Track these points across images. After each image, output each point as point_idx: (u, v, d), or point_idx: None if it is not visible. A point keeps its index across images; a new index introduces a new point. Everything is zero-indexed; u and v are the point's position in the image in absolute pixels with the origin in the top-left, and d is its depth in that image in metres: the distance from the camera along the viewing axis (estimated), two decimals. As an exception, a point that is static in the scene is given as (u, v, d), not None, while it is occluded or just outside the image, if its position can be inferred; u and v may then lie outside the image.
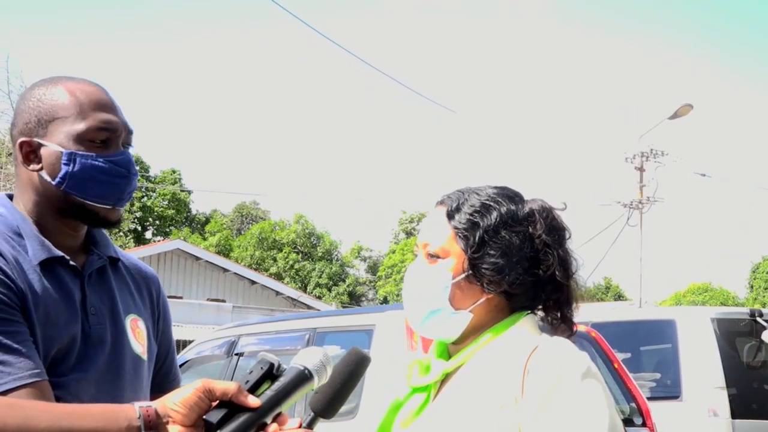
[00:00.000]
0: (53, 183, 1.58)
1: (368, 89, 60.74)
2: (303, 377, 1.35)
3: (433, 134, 62.28)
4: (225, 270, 22.98)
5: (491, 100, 58.37)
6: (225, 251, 36.36)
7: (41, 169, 1.59)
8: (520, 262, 1.55)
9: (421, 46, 59.62)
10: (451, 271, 1.55)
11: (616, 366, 5.64)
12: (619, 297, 37.88)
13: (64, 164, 1.57)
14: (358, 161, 63.51)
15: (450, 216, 1.57)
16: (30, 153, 1.60)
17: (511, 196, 1.61)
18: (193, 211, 41.84)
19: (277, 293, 23.62)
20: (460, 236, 1.55)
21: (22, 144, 1.60)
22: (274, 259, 37.93)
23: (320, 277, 37.64)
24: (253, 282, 23.43)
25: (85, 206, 1.60)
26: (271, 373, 1.34)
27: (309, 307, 22.42)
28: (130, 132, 1.65)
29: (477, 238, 1.54)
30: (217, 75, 60.09)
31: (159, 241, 32.71)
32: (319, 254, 38.74)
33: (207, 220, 42.22)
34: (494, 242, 1.54)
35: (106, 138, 1.60)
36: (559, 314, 1.60)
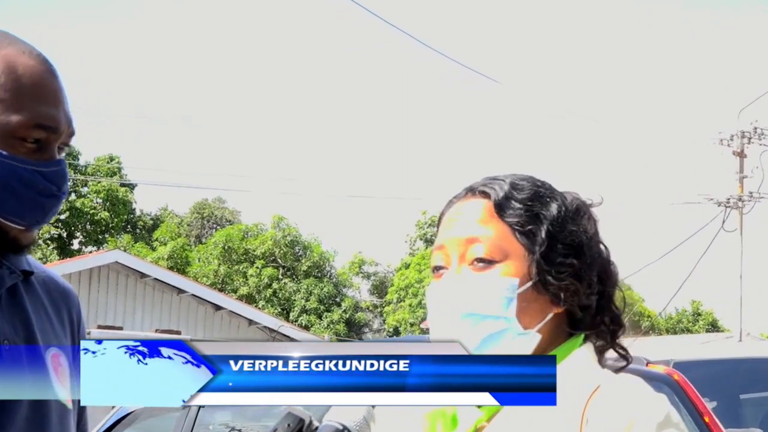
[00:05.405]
0: None
1: (372, 53, 60.83)
2: None
3: (464, 112, 62.27)
4: (180, 291, 23.01)
5: (539, 70, 58.40)
6: (180, 265, 36.43)
7: None
8: (594, 266, 1.58)
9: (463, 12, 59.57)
10: (515, 277, 1.56)
11: (706, 420, 5.64)
12: (712, 327, 37.81)
13: None
14: (359, 146, 63.60)
15: (500, 207, 1.58)
16: None
17: (551, 185, 1.65)
18: (137, 212, 41.96)
19: (251, 322, 23.63)
20: (520, 232, 1.57)
21: None
22: (245, 276, 37.98)
23: (307, 300, 37.68)
24: (219, 307, 23.45)
25: None
26: None
27: (293, 341, 22.39)
28: (71, 133, 1.63)
29: (544, 233, 1.56)
30: (176, 37, 60.33)
31: (91, 252, 32.80)
32: (305, 269, 38.77)
33: (156, 224, 42.31)
34: (564, 238, 1.58)
35: (42, 138, 1.58)
36: (610, 337, 1.63)
